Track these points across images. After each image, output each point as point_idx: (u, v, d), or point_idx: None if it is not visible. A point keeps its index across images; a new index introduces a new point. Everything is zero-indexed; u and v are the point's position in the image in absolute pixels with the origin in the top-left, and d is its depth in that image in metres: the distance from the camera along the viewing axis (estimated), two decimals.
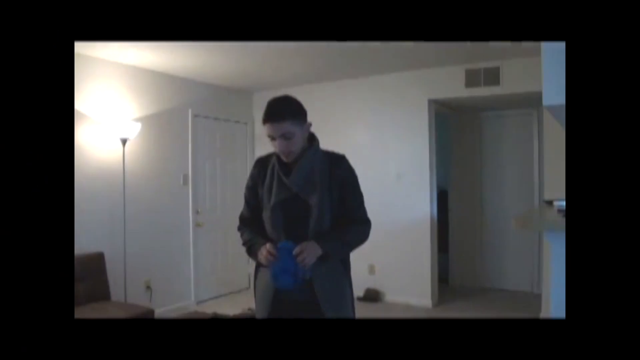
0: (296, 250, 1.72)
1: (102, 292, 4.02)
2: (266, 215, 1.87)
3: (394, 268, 5.27)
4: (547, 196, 4.17)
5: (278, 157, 1.86)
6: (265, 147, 4.14)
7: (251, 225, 1.95)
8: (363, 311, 5.01)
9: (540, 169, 5.39)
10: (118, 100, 4.51)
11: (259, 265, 1.93)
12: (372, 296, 5.30)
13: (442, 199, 5.89)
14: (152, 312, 3.86)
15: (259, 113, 6.14)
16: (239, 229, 2.01)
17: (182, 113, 5.21)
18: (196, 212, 5.37)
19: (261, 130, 6.10)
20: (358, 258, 5.30)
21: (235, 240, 5.58)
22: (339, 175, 1.87)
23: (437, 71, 5.07)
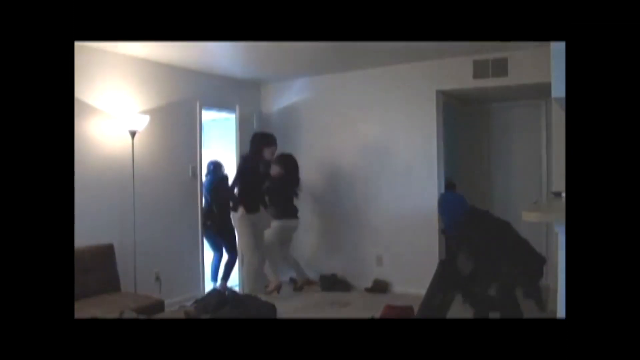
0: None
1: (112, 283, 4.06)
2: None
3: (402, 259, 5.27)
4: (555, 187, 4.15)
5: None
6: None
7: None
8: (371, 302, 5.02)
9: (548, 160, 5.37)
10: (127, 93, 4.53)
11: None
12: (380, 287, 5.31)
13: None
14: (162, 302, 3.90)
15: (266, 105, 6.15)
16: None
17: (191, 105, 5.23)
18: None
19: (269, 121, 6.08)
20: (366, 249, 5.29)
21: None
22: None
23: (444, 62, 5.05)
